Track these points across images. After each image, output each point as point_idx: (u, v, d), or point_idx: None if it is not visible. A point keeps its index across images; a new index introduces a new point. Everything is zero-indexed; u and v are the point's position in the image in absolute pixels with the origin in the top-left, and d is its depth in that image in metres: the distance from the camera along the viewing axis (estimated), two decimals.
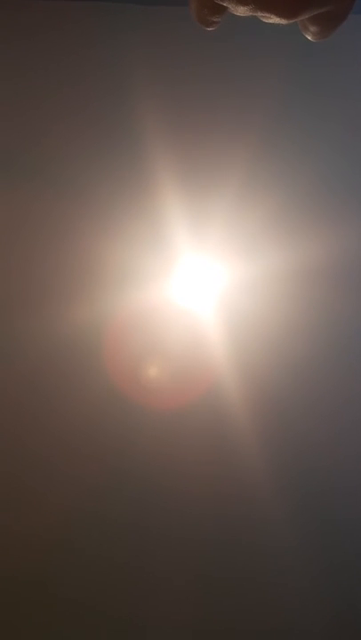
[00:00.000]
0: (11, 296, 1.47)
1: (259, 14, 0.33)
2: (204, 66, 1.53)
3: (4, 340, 1.46)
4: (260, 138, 1.51)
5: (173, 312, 1.50)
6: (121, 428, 1.45)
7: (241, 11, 0.33)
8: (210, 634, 1.47)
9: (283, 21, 0.33)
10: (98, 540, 1.44)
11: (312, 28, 0.36)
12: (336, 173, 1.55)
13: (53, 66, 1.51)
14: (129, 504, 1.45)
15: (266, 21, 0.35)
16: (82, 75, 1.52)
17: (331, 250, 1.50)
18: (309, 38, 0.37)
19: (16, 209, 1.48)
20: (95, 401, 1.45)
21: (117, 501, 1.45)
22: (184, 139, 1.49)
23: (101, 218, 1.48)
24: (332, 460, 1.51)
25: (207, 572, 1.47)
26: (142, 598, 1.45)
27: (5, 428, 1.45)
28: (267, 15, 0.33)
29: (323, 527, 1.49)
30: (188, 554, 1.46)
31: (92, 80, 1.52)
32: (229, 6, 0.33)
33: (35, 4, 1.52)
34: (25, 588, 1.43)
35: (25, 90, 1.51)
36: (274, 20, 0.33)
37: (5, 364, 1.46)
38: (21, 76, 1.52)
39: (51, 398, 1.46)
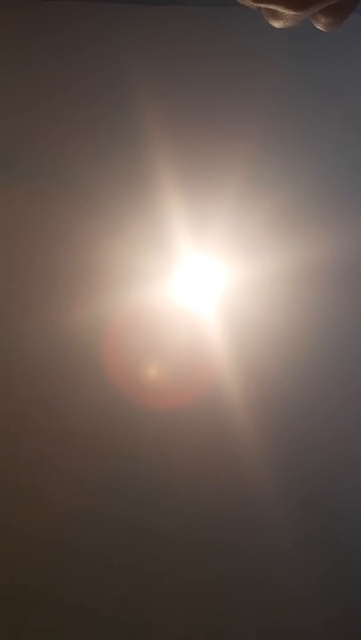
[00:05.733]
0: (11, 296, 1.47)
1: (269, 6, 0.34)
2: (204, 65, 1.53)
3: (3, 340, 1.45)
4: (261, 138, 1.51)
5: (174, 312, 1.50)
6: (121, 428, 1.45)
7: (249, 2, 0.34)
8: (211, 634, 1.47)
9: (291, 12, 0.33)
10: (98, 539, 1.44)
11: (323, 20, 0.37)
12: (337, 173, 1.55)
13: (54, 65, 1.51)
14: (130, 504, 1.44)
15: (274, 24, 0.35)
16: (82, 74, 1.52)
17: (332, 249, 1.50)
18: (320, 28, 0.38)
19: (16, 209, 1.48)
20: (95, 401, 1.45)
21: (118, 501, 1.44)
22: (185, 138, 1.49)
23: (102, 218, 1.48)
24: (334, 459, 1.51)
25: (208, 572, 1.47)
26: (143, 598, 1.44)
27: (5, 428, 1.45)
28: (275, 6, 0.33)
29: (324, 527, 1.49)
30: (189, 553, 1.45)
31: (92, 80, 1.52)
32: None
33: (35, 4, 1.52)
34: (25, 588, 1.43)
35: (25, 90, 1.51)
36: (282, 15, 0.34)
37: (5, 364, 1.46)
38: (22, 76, 1.52)
39: (51, 398, 1.45)
